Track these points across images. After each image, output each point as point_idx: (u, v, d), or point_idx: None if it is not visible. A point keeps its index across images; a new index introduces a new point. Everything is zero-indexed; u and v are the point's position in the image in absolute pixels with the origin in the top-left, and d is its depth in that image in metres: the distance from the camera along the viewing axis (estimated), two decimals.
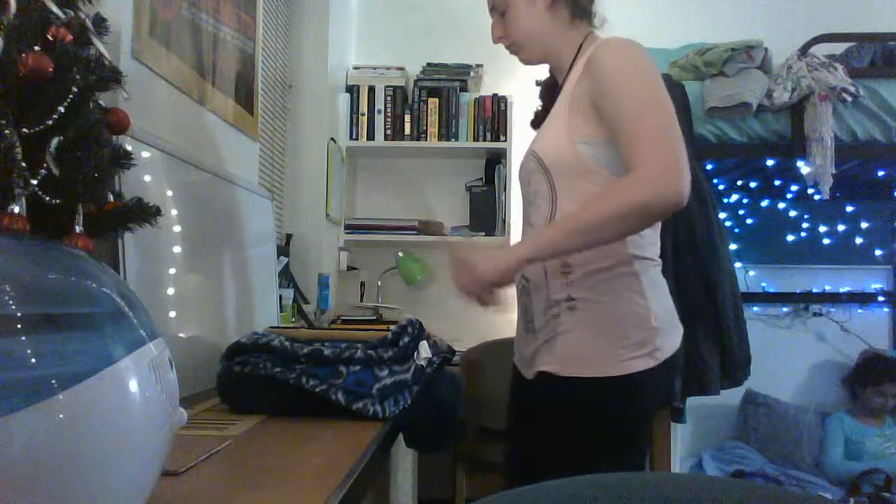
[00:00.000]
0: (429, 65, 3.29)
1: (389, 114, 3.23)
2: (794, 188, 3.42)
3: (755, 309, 3.48)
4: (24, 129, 0.67)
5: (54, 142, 0.68)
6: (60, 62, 0.69)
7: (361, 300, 3.31)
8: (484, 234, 3.20)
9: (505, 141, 3.19)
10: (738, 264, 3.13)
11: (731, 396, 3.17)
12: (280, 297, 2.15)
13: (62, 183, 0.69)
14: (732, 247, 3.40)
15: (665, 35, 3.19)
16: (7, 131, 0.65)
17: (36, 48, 0.68)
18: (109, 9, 1.03)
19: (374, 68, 3.29)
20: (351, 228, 3.20)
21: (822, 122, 2.59)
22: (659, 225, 1.31)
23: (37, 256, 0.59)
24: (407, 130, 3.22)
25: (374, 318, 3.13)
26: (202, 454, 0.92)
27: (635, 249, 1.27)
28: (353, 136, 3.24)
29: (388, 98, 3.23)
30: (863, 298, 3.54)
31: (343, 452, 0.97)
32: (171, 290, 1.37)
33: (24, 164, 0.66)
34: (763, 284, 3.59)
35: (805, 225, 3.60)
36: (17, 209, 0.65)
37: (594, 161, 1.25)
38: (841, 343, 3.51)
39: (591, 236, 1.16)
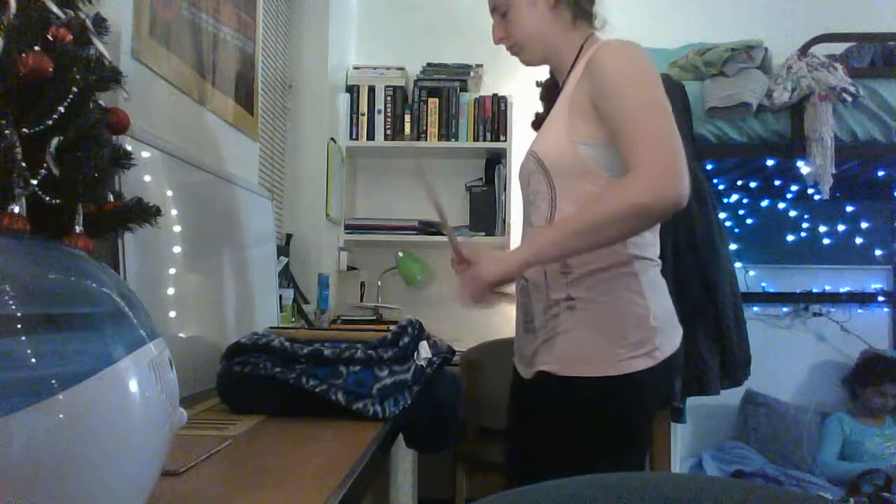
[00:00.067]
0: (429, 65, 3.29)
1: (389, 114, 3.23)
2: (794, 188, 3.42)
3: (755, 309, 3.48)
4: (24, 129, 0.67)
5: (54, 142, 0.68)
6: (60, 62, 0.69)
7: (361, 300, 3.31)
8: (484, 234, 3.20)
9: (505, 141, 3.19)
10: (738, 264, 3.13)
11: (731, 396, 3.17)
12: (280, 297, 2.15)
13: (62, 183, 0.69)
14: (732, 247, 3.40)
15: (665, 35, 3.20)
16: (7, 131, 0.65)
17: (36, 48, 0.68)
18: (109, 9, 1.03)
19: (374, 68, 3.29)
20: (351, 228, 3.20)
21: (822, 122, 2.59)
22: (658, 225, 1.32)
23: (37, 256, 0.59)
24: (407, 130, 3.22)
25: (374, 318, 3.13)
26: (202, 454, 0.92)
27: (635, 249, 1.27)
28: (353, 136, 3.24)
29: (388, 98, 3.23)
30: (863, 298, 3.54)
31: (343, 452, 0.97)
32: (171, 290, 1.37)
33: (24, 164, 0.66)
34: (763, 284, 3.59)
35: (805, 225, 3.60)
36: (17, 209, 0.65)
37: (594, 162, 1.25)
38: (841, 343, 3.51)
39: (591, 238, 1.16)
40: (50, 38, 0.70)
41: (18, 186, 0.65)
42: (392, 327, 1.28)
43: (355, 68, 3.32)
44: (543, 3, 1.34)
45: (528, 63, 1.43)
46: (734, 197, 3.59)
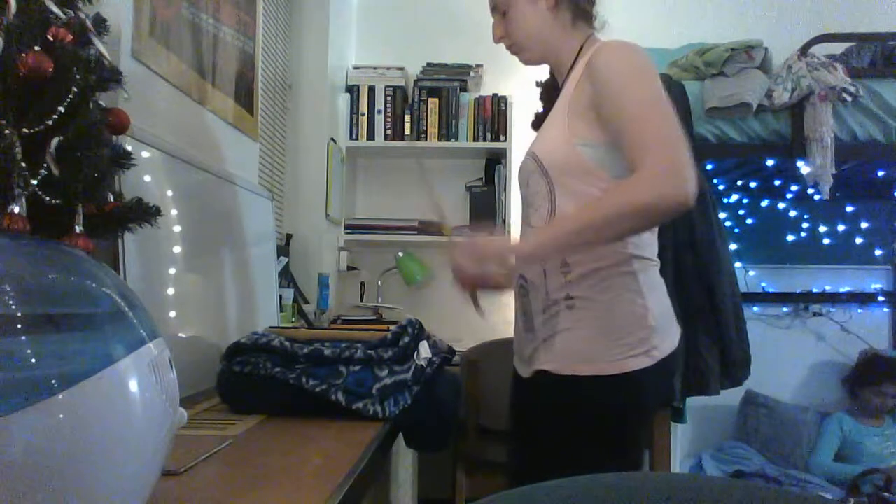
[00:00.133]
0: (429, 65, 3.29)
1: (389, 114, 3.23)
2: (794, 188, 3.42)
3: (755, 309, 3.48)
4: (24, 129, 0.67)
5: (54, 142, 0.68)
6: (60, 62, 0.69)
7: (361, 300, 3.31)
8: (476, 234, 3.19)
9: (505, 141, 3.19)
10: (738, 264, 3.13)
11: (731, 396, 3.17)
12: (280, 297, 2.15)
13: (62, 183, 0.69)
14: (732, 247, 3.40)
15: (665, 35, 3.20)
16: (7, 131, 0.65)
17: (36, 48, 0.68)
18: (109, 9, 1.03)
19: (374, 68, 3.29)
20: (351, 228, 3.20)
21: (822, 122, 2.59)
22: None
23: (37, 256, 0.59)
24: (407, 130, 3.22)
25: (374, 318, 3.13)
26: (202, 454, 0.92)
27: (634, 249, 1.27)
28: (353, 136, 3.24)
29: (388, 98, 3.23)
30: (863, 298, 3.54)
31: (343, 452, 0.97)
32: (171, 290, 1.37)
33: (24, 164, 0.66)
34: (763, 284, 3.59)
35: (805, 225, 3.60)
36: (17, 209, 0.65)
37: (594, 163, 1.25)
38: (841, 343, 3.51)
39: (595, 235, 1.17)
40: (50, 38, 0.70)
41: (18, 186, 0.65)
42: (392, 327, 1.28)
43: (355, 68, 3.32)
44: (543, 3, 1.35)
45: (527, 63, 1.43)
46: (734, 197, 3.59)
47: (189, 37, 1.59)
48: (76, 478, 0.51)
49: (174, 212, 1.40)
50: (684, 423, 2.68)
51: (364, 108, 3.24)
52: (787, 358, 3.48)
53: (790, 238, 3.59)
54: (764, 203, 3.60)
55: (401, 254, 3.18)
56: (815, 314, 3.53)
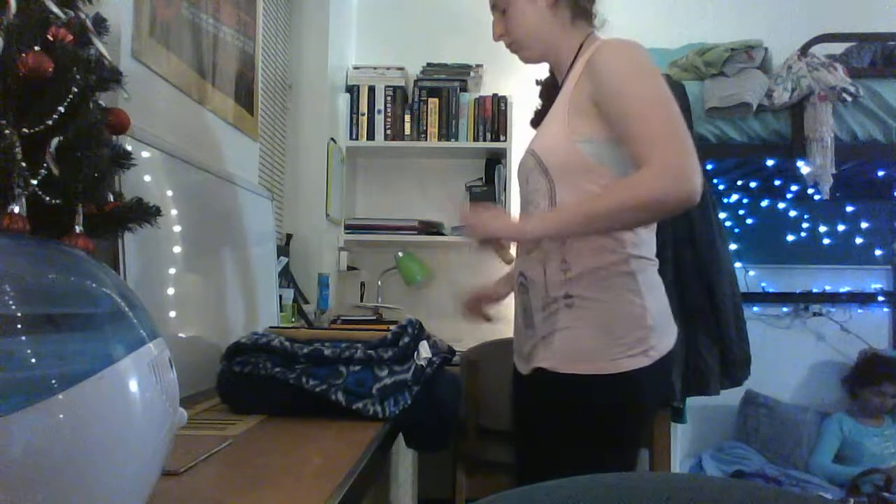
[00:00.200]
0: (429, 65, 3.29)
1: (389, 114, 3.23)
2: (794, 188, 3.42)
3: (755, 309, 3.48)
4: (24, 129, 0.67)
5: (54, 142, 0.68)
6: (60, 62, 0.69)
7: (361, 300, 3.31)
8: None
9: (505, 141, 3.19)
10: (738, 264, 3.13)
11: (731, 396, 3.17)
12: (280, 297, 2.15)
13: (62, 183, 0.69)
14: (732, 247, 3.40)
15: (665, 35, 3.20)
16: (7, 131, 0.65)
17: (36, 48, 0.68)
18: (109, 9, 1.03)
19: (374, 68, 3.29)
20: (351, 228, 3.20)
21: (822, 122, 2.60)
22: (655, 224, 1.32)
23: (37, 256, 0.59)
24: (407, 130, 3.22)
25: (374, 318, 3.13)
26: (202, 454, 0.92)
27: (632, 249, 1.27)
28: (353, 136, 3.24)
29: (388, 98, 3.23)
30: (863, 298, 3.54)
31: (343, 452, 0.97)
32: (171, 290, 1.37)
33: (24, 164, 0.66)
34: (763, 284, 3.59)
35: (805, 225, 3.60)
36: (17, 209, 0.65)
37: (594, 160, 1.25)
38: (841, 343, 3.51)
39: (603, 223, 1.20)
40: (50, 38, 0.70)
41: (18, 186, 0.65)
42: (392, 327, 1.28)
43: (355, 68, 3.32)
44: (543, 2, 1.35)
45: (527, 61, 1.43)
46: (734, 197, 3.59)
47: (189, 37, 1.59)
48: (76, 478, 0.51)
49: (174, 212, 1.40)
50: (684, 423, 2.68)
51: (364, 108, 3.24)
52: (787, 358, 3.48)
53: (790, 238, 3.59)
54: (764, 203, 3.60)
55: (401, 254, 3.18)
56: (815, 314, 3.53)
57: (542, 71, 1.49)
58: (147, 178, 1.30)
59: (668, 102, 1.19)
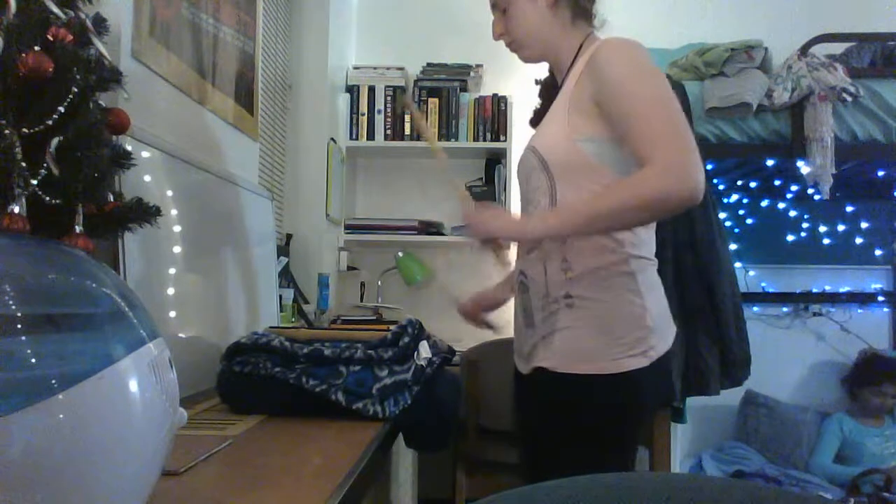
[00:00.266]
0: (429, 65, 3.29)
1: (389, 114, 3.23)
2: (794, 188, 3.42)
3: (755, 309, 3.48)
4: (24, 129, 0.67)
5: (54, 142, 0.68)
6: (60, 62, 0.69)
7: (361, 300, 3.31)
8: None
9: (505, 141, 3.19)
10: (738, 264, 3.13)
11: (731, 396, 3.17)
12: (280, 297, 2.15)
13: (62, 183, 0.69)
14: (732, 247, 3.40)
15: (665, 35, 3.20)
16: (7, 131, 0.65)
17: (36, 48, 0.68)
18: (109, 9, 1.03)
19: (374, 68, 3.29)
20: (351, 228, 3.20)
21: (822, 122, 2.60)
22: (654, 224, 1.32)
23: (37, 256, 0.59)
24: (407, 130, 3.22)
25: (374, 318, 3.13)
26: (202, 454, 0.92)
27: (632, 249, 1.27)
28: (353, 136, 3.24)
29: (388, 98, 3.23)
30: (863, 298, 3.54)
31: (343, 452, 0.97)
32: (171, 290, 1.37)
33: (24, 164, 0.66)
34: (763, 284, 3.59)
35: (805, 225, 3.60)
36: (17, 209, 0.65)
37: (595, 159, 1.25)
38: (841, 343, 3.51)
39: (605, 223, 1.20)
40: (50, 38, 0.70)
41: (18, 186, 0.65)
42: (392, 327, 1.28)
43: (355, 68, 3.32)
44: (543, 1, 1.35)
45: (526, 60, 1.43)
46: (734, 197, 3.59)
47: (189, 37, 1.59)
48: (76, 478, 0.51)
49: (174, 212, 1.40)
50: (684, 423, 2.69)
51: (364, 108, 3.24)
52: (787, 358, 3.48)
53: (790, 238, 3.59)
54: (764, 203, 3.60)
55: (401, 254, 3.18)
56: (815, 314, 3.53)
57: (542, 70, 1.49)
58: (147, 178, 1.30)
59: (670, 101, 1.19)
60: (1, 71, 0.66)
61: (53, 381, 0.50)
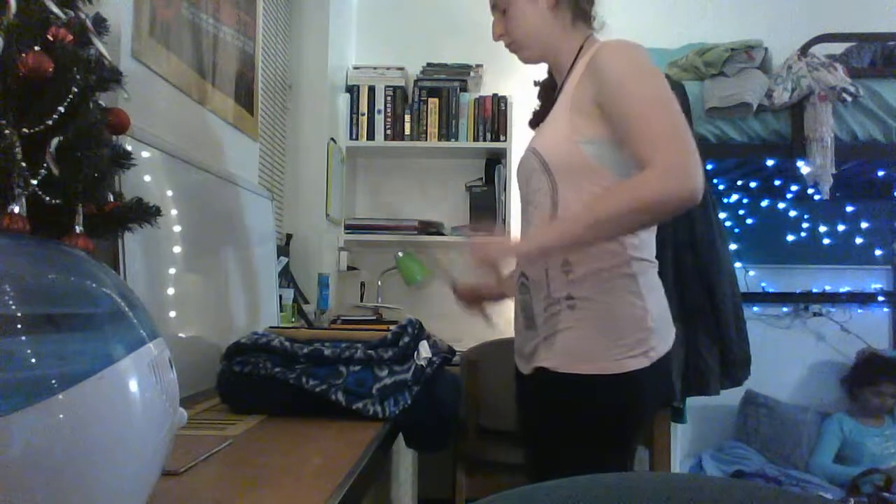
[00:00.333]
0: (429, 65, 3.29)
1: (389, 114, 3.23)
2: (794, 188, 3.42)
3: (755, 309, 3.48)
4: (24, 129, 0.67)
5: (54, 142, 0.68)
6: (60, 62, 0.69)
7: (361, 300, 3.31)
8: (484, 234, 3.20)
9: (505, 141, 3.19)
10: (738, 264, 3.13)
11: (731, 396, 3.17)
12: (280, 297, 2.15)
13: (62, 183, 0.69)
14: (732, 247, 3.40)
15: (665, 35, 3.20)
16: (7, 131, 0.65)
17: (36, 48, 0.68)
18: (109, 9, 1.03)
19: (374, 68, 3.29)
20: (351, 228, 3.20)
21: (822, 122, 2.60)
22: (655, 226, 1.32)
23: (37, 256, 0.59)
24: (407, 130, 3.22)
25: (374, 318, 3.13)
26: (202, 454, 0.92)
27: (634, 251, 1.27)
28: (353, 136, 3.24)
29: (388, 98, 3.23)
30: (863, 298, 3.54)
31: (343, 452, 0.97)
32: (171, 290, 1.37)
33: (24, 164, 0.66)
34: (763, 284, 3.59)
35: (805, 225, 3.60)
36: (17, 209, 0.65)
37: (597, 161, 1.25)
38: (841, 343, 3.51)
39: (607, 229, 1.19)
40: (50, 38, 0.70)
41: (18, 186, 0.65)
42: (392, 327, 1.28)
43: (355, 68, 3.32)
44: (544, 2, 1.35)
45: (526, 61, 1.43)
46: (734, 197, 3.59)
47: (189, 37, 1.59)
48: (76, 478, 0.51)
49: (174, 212, 1.40)
50: (684, 423, 2.68)
51: (364, 108, 3.24)
52: (787, 358, 3.48)
53: (790, 238, 3.59)
54: (764, 203, 3.60)
55: (401, 254, 3.18)
56: (815, 314, 3.53)
57: (542, 71, 1.49)
58: (147, 178, 1.30)
59: (669, 102, 1.19)
60: (1, 71, 0.66)
61: (53, 381, 0.50)
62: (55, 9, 0.73)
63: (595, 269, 1.26)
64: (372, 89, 3.24)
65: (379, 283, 3.28)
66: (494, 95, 3.22)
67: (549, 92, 1.47)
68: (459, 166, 3.40)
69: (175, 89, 1.52)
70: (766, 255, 3.58)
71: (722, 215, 3.08)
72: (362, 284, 3.33)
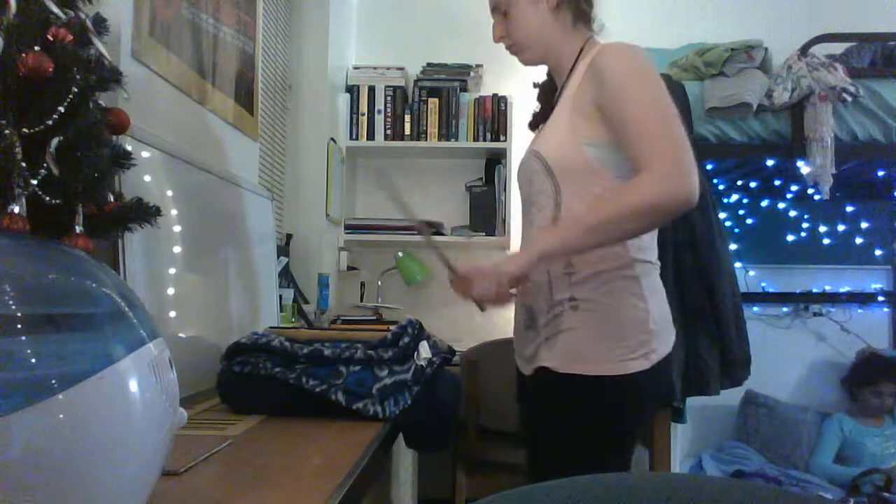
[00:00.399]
0: (429, 65, 3.29)
1: (389, 114, 3.23)
2: (794, 188, 3.42)
3: (755, 309, 3.48)
4: (24, 129, 0.67)
5: (54, 142, 0.68)
6: (60, 62, 0.69)
7: (361, 300, 3.31)
8: (484, 234, 3.20)
9: (505, 141, 3.19)
10: (738, 264, 3.13)
11: (731, 396, 3.17)
12: (280, 297, 2.15)
13: (62, 183, 0.69)
14: (732, 247, 3.40)
15: (665, 35, 3.20)
16: (7, 131, 0.65)
17: (36, 48, 0.68)
18: (109, 9, 1.03)
19: (374, 68, 3.29)
20: (351, 228, 3.20)
21: (822, 122, 2.60)
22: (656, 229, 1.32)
23: (37, 256, 0.59)
24: (407, 130, 3.22)
25: (374, 318, 3.13)
26: (202, 454, 0.92)
27: (636, 253, 1.28)
28: (353, 136, 3.24)
29: (388, 98, 3.23)
30: (863, 298, 3.54)
31: (343, 452, 0.97)
32: (171, 290, 1.37)
33: (24, 164, 0.66)
34: (763, 284, 3.59)
35: (805, 225, 3.60)
36: (17, 209, 0.65)
37: (598, 163, 1.26)
38: (841, 343, 3.51)
39: (603, 235, 1.18)
40: (50, 38, 0.70)
41: (18, 186, 0.65)
42: (392, 327, 1.28)
43: (355, 68, 3.32)
44: (545, 4, 1.35)
45: (527, 63, 1.43)
46: (734, 197, 3.59)
47: (189, 37, 1.59)
48: (76, 478, 0.51)
49: (174, 212, 1.40)
50: (684, 423, 2.69)
51: (364, 108, 3.24)
52: (787, 358, 3.48)
53: (790, 238, 3.59)
54: (764, 203, 3.60)
55: (401, 254, 3.18)
56: (815, 314, 3.53)
57: (542, 72, 1.49)
58: (147, 178, 1.30)
59: (666, 105, 1.19)
60: (1, 71, 0.66)
61: (53, 381, 0.50)
62: (55, 9, 0.73)
63: (598, 271, 1.26)
64: (372, 89, 3.24)
65: (379, 283, 3.28)
66: (494, 95, 3.22)
67: (548, 94, 1.47)
68: (459, 166, 3.40)
69: (175, 89, 1.52)
70: (766, 255, 3.58)
71: (722, 215, 3.08)
72: (362, 284, 3.33)
